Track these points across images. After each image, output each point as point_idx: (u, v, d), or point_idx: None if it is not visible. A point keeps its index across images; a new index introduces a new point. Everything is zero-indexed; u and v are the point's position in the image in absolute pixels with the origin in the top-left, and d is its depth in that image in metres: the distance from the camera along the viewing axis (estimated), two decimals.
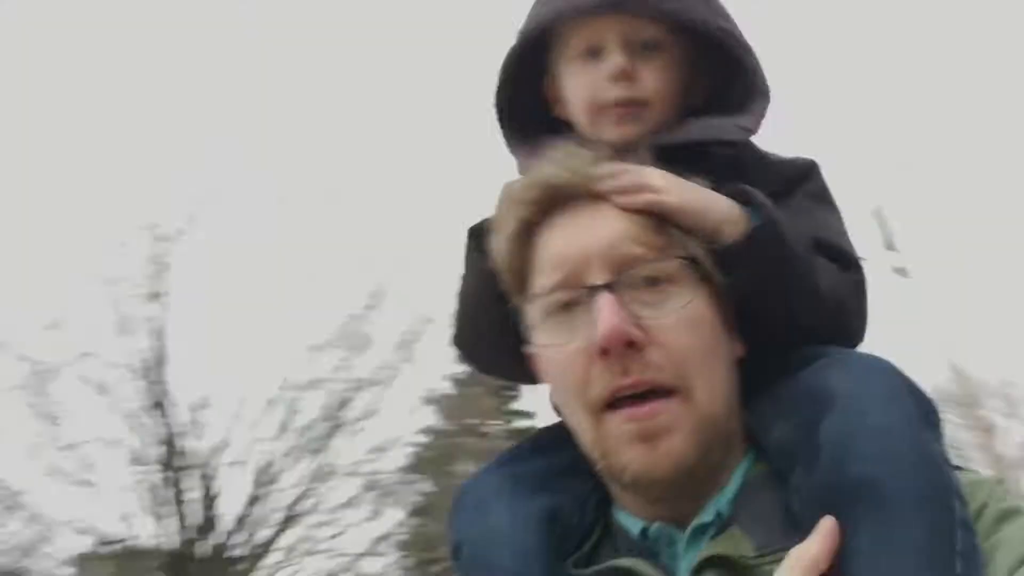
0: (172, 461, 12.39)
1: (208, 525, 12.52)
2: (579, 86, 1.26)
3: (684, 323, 1.00)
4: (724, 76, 1.25)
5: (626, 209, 1.04)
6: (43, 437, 12.24)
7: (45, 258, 12.68)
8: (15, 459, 12.26)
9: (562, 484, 1.11)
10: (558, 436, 1.13)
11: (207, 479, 12.55)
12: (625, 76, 1.21)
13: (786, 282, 1.05)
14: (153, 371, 12.56)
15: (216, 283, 12.93)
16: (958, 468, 0.97)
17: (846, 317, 1.13)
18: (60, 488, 12.25)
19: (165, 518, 12.29)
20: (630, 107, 1.22)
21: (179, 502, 12.33)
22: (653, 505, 1.02)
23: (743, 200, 1.08)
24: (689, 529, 0.99)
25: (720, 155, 1.18)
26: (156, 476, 12.42)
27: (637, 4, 1.19)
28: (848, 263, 1.16)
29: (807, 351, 1.06)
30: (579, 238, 1.04)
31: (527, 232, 1.08)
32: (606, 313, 0.96)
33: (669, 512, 1.01)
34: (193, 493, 12.45)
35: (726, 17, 1.23)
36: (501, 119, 1.32)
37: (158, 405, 12.48)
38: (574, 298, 1.02)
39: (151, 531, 12.37)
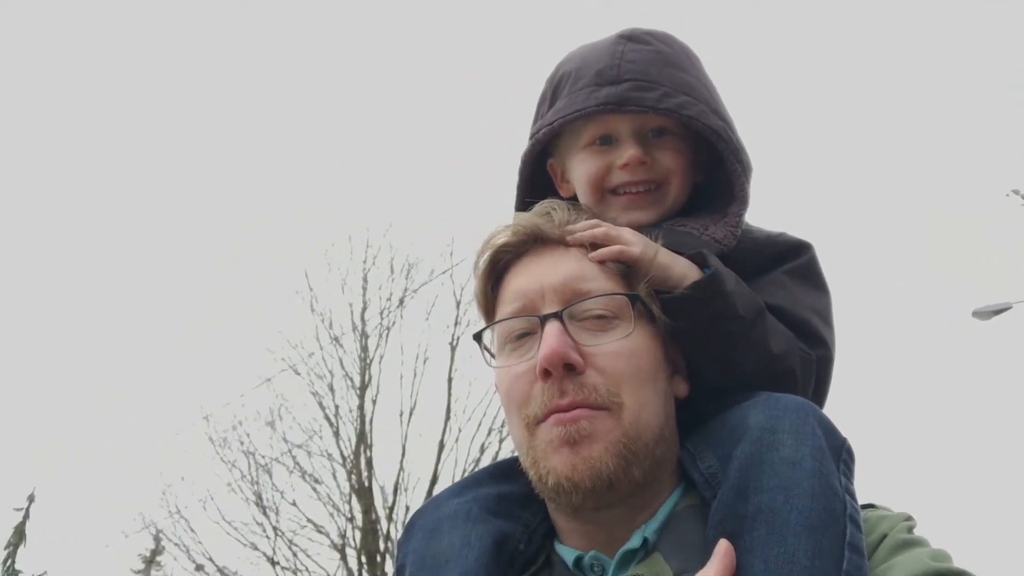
0: (372, 546, 12.61)
1: None
2: (588, 172, 1.34)
3: (622, 353, 1.09)
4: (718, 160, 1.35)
5: (596, 258, 1.15)
6: (260, 526, 13.03)
7: (260, 359, 14.11)
8: (235, 547, 13.07)
9: (515, 512, 1.19)
10: (517, 465, 1.19)
11: None
12: (640, 164, 1.31)
13: (728, 334, 1.14)
14: (356, 459, 13.23)
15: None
16: (871, 505, 1.09)
17: (793, 383, 1.19)
18: (272, 575, 12.77)
19: None
20: (643, 193, 1.32)
21: None
22: (584, 528, 1.10)
23: (700, 262, 1.19)
24: (617, 555, 1.05)
25: None
26: (356, 562, 12.66)
27: (639, 102, 1.27)
28: (813, 339, 1.24)
29: (740, 394, 1.14)
30: (538, 276, 1.15)
31: (498, 270, 1.22)
32: (550, 338, 1.07)
33: (602, 540, 1.08)
34: None
35: (720, 115, 1.32)
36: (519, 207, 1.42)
37: (360, 491, 12.98)
38: (528, 327, 1.14)
39: None
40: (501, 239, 1.21)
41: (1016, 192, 13.44)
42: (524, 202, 1.39)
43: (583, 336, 1.10)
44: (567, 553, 1.12)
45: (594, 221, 1.20)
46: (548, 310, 1.12)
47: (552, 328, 1.08)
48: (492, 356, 1.20)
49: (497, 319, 1.19)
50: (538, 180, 1.44)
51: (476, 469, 1.35)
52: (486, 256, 1.22)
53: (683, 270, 1.18)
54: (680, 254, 1.21)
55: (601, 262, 1.15)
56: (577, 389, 1.06)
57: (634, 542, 1.06)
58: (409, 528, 1.24)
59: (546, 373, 1.07)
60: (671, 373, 1.18)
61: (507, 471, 1.26)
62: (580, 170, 1.37)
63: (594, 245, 1.17)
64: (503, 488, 1.23)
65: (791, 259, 1.31)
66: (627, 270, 1.16)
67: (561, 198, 1.40)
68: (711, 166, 1.38)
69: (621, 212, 1.32)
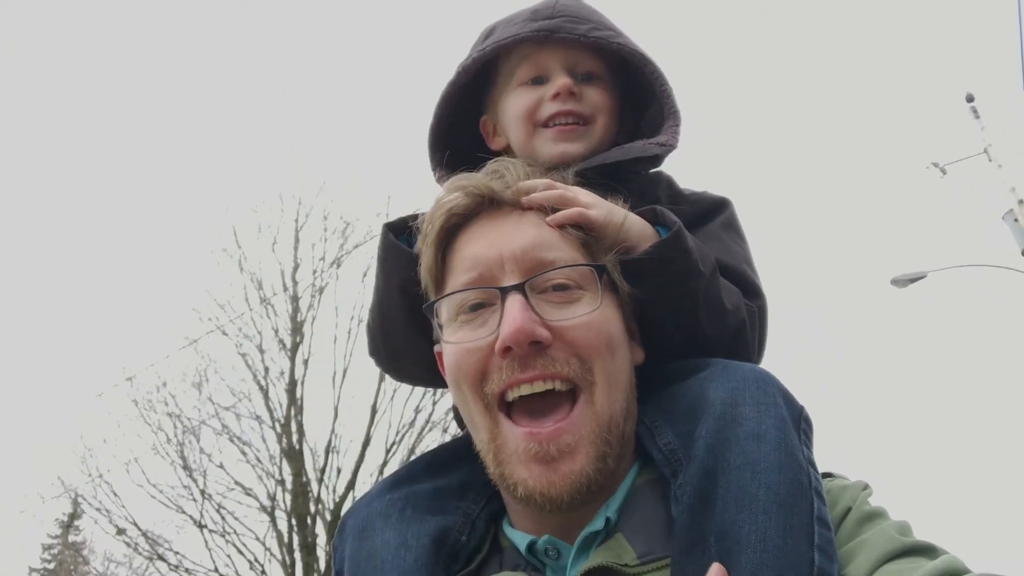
0: (303, 508, 12.53)
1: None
2: (521, 105, 1.36)
3: (589, 325, 1.04)
4: (642, 105, 1.43)
5: (555, 222, 1.10)
6: (187, 489, 12.77)
7: (186, 319, 13.72)
8: (160, 510, 12.80)
9: (453, 504, 1.14)
10: (453, 455, 1.19)
11: (336, 525, 12.55)
12: (571, 93, 1.34)
13: (692, 291, 1.13)
14: (287, 422, 13.05)
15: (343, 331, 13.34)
16: (829, 475, 1.07)
17: (745, 336, 1.22)
18: (199, 538, 12.58)
19: (295, 565, 12.28)
20: (572, 125, 1.34)
21: (308, 549, 12.32)
22: (541, 516, 1.04)
23: (655, 220, 1.20)
24: (579, 539, 1.01)
25: (636, 183, 1.29)
26: (286, 524, 12.56)
27: (570, 31, 1.32)
28: (751, 291, 1.26)
29: (691, 362, 1.12)
30: (496, 242, 1.08)
31: (449, 235, 1.13)
32: (514, 313, 1.00)
33: (558, 522, 1.03)
34: (322, 540, 12.46)
35: (642, 50, 1.38)
36: (434, 148, 1.43)
37: (290, 454, 12.83)
38: (485, 298, 1.06)
39: None
40: (452, 202, 1.13)
41: (935, 165, 13.96)
42: (439, 145, 1.42)
43: (547, 310, 1.03)
44: (519, 538, 1.07)
45: (547, 181, 1.14)
46: (508, 281, 1.04)
47: (515, 302, 1.01)
48: (441, 329, 1.12)
49: (451, 290, 1.09)
50: (454, 138, 1.44)
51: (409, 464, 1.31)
52: (438, 219, 1.13)
53: (639, 228, 1.16)
54: (633, 210, 1.19)
55: (560, 226, 1.10)
56: (545, 364, 1.01)
57: (597, 523, 1.01)
58: (341, 530, 1.19)
59: (507, 350, 1.00)
60: (630, 340, 1.13)
61: (444, 462, 1.21)
62: (513, 106, 1.38)
63: (553, 208, 1.12)
64: (439, 483, 1.18)
65: (718, 214, 1.36)
66: (587, 236, 1.11)
67: (490, 154, 1.37)
68: (635, 120, 1.45)
69: (551, 143, 1.33)
